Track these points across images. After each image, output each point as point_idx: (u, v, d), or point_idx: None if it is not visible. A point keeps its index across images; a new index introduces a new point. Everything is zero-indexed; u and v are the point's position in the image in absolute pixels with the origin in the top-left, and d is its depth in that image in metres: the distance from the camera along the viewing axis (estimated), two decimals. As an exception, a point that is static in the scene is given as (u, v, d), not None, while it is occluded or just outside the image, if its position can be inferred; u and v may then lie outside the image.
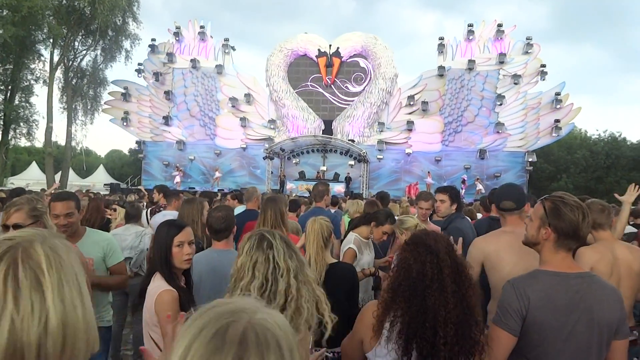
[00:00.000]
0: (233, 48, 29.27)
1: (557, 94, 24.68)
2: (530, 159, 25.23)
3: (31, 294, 0.78)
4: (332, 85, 27.38)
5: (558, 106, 24.55)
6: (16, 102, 30.58)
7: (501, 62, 25.47)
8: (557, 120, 24.39)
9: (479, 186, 23.68)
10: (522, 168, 25.57)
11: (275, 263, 1.83)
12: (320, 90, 27.60)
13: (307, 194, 19.97)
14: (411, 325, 1.75)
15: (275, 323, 0.68)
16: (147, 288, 2.25)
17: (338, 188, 22.33)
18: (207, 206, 4.44)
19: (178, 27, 28.68)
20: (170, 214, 4.88)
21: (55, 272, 0.82)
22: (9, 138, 31.13)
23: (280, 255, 1.86)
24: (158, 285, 2.18)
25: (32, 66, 31.18)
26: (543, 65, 25.11)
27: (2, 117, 29.91)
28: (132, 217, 4.75)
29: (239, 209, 5.86)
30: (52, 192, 7.67)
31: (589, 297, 1.87)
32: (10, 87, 30.49)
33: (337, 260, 2.98)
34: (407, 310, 1.77)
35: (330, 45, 27.28)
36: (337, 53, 27.00)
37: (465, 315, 1.77)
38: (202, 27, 28.64)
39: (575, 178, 33.46)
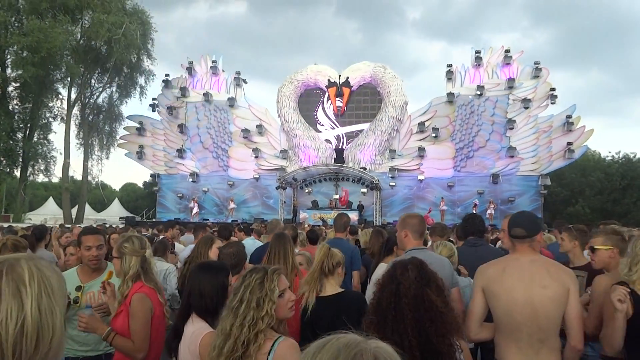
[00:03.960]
0: (244, 81, 29.90)
1: (569, 116, 24.63)
2: (544, 183, 25.02)
3: (11, 301, 0.93)
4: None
5: (570, 129, 24.50)
6: (35, 139, 31.34)
7: (510, 87, 25.59)
8: (569, 143, 24.29)
9: (490, 210, 23.49)
10: (536, 192, 25.33)
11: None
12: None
13: (320, 223, 19.91)
14: None
15: (387, 347, 0.83)
16: (186, 329, 2.27)
17: (351, 216, 22.19)
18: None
19: (191, 63, 29.40)
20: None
21: (37, 285, 0.97)
22: (27, 175, 31.76)
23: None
24: (201, 327, 2.21)
25: (51, 104, 32.10)
26: (553, 89, 25.16)
27: (21, 155, 30.62)
28: (158, 250, 4.75)
29: (248, 242, 5.92)
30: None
31: None
32: (29, 125, 31.31)
33: (343, 289, 3.03)
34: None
35: (339, 76, 27.71)
36: (346, 83, 27.39)
37: (428, 345, 1.73)
38: (214, 61, 29.35)
39: (591, 201, 32.99)
